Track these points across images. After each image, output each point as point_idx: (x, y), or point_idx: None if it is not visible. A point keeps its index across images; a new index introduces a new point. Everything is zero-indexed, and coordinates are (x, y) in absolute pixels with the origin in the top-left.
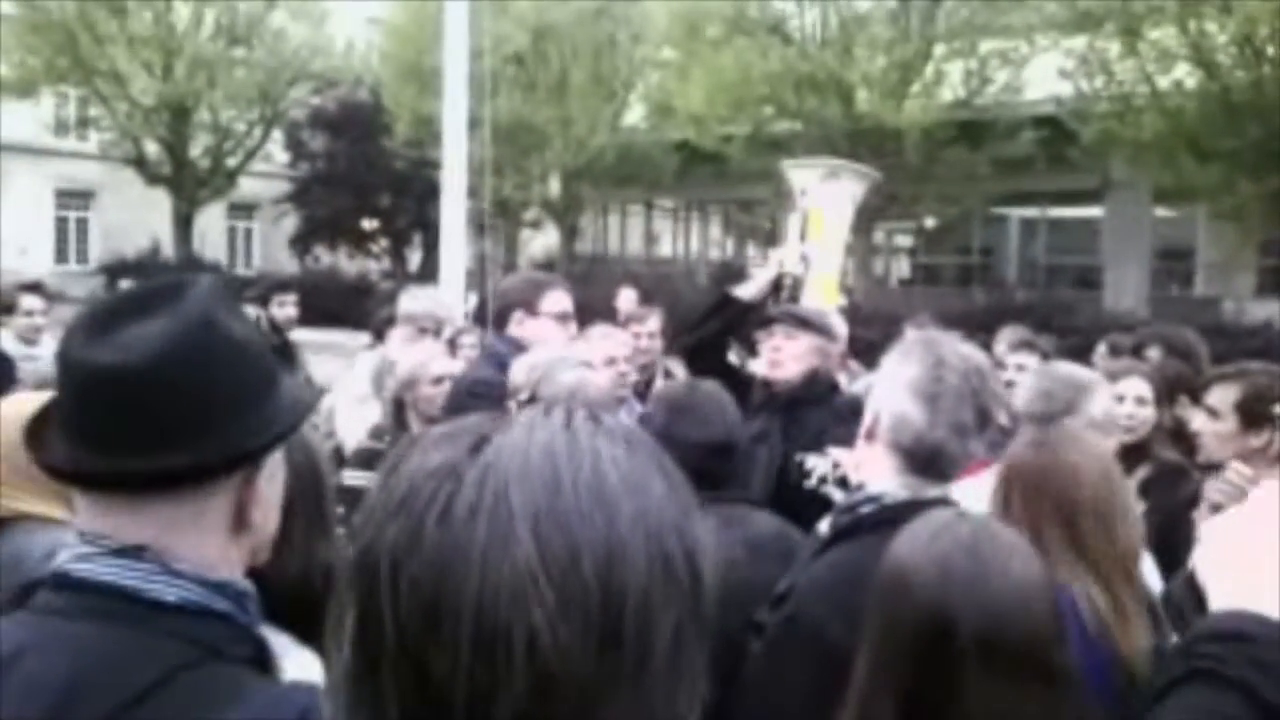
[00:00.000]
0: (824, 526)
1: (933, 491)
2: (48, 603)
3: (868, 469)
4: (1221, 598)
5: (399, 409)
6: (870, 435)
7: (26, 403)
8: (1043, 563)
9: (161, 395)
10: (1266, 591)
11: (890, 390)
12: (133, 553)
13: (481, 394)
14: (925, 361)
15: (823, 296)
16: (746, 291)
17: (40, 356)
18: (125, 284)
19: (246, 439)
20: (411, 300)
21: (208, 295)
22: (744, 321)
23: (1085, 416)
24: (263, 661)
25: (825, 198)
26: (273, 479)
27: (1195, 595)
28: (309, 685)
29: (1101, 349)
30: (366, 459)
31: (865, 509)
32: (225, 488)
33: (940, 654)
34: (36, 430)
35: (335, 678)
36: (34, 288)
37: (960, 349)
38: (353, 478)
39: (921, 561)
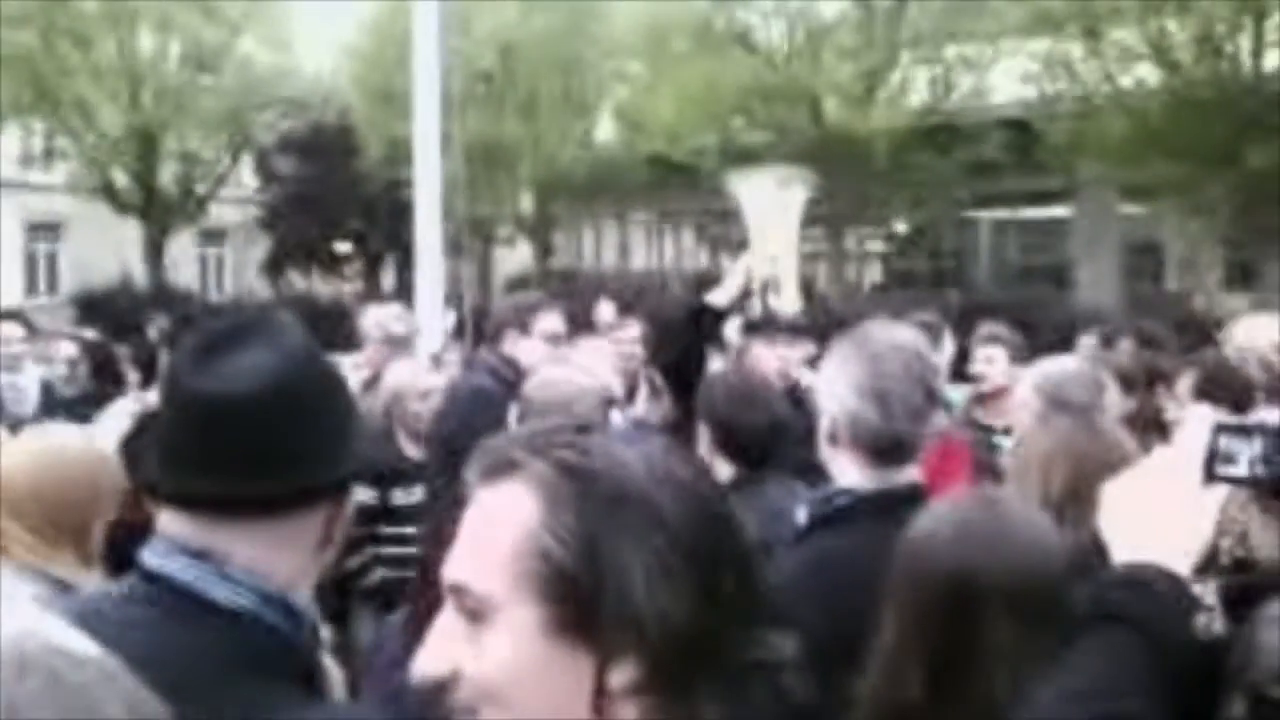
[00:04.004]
0: (801, 515)
1: (901, 477)
2: (134, 595)
3: (836, 468)
4: (1122, 551)
5: (387, 424)
6: (832, 439)
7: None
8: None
9: (272, 423)
10: (1160, 544)
11: (838, 394)
12: (201, 554)
13: (483, 401)
14: (863, 360)
15: (783, 302)
16: (720, 297)
17: (23, 386)
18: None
19: (343, 465)
20: (375, 317)
21: (299, 330)
22: (719, 328)
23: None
24: (309, 679)
25: (770, 205)
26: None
27: (1100, 551)
28: (360, 711)
29: (1088, 342)
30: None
31: (839, 500)
32: (319, 509)
33: (965, 610)
34: (133, 450)
35: None
36: (13, 315)
37: (893, 338)
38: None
39: (943, 525)
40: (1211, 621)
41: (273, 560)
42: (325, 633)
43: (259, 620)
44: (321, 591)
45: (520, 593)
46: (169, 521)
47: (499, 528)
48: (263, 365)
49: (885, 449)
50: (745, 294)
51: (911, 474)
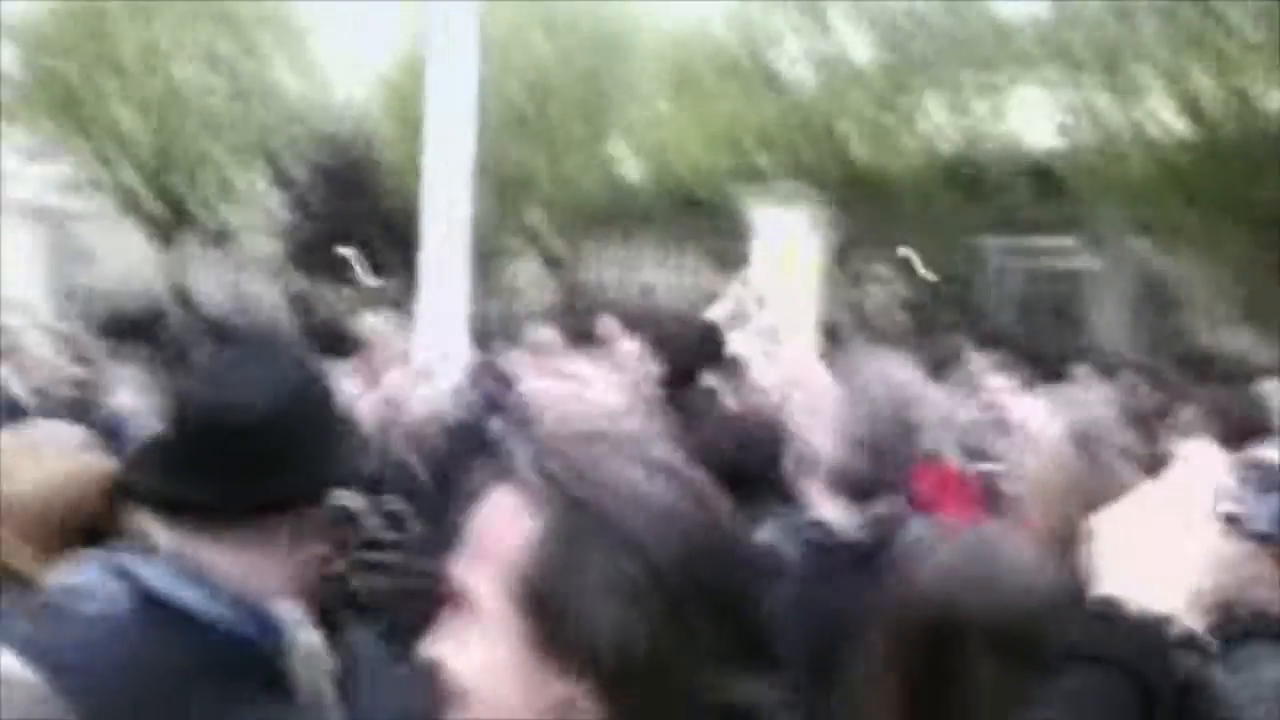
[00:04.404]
0: (761, 537)
1: (880, 508)
2: (106, 598)
3: (810, 496)
4: (1109, 586)
5: (383, 433)
6: (805, 471)
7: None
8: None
9: (269, 433)
10: (1151, 581)
11: (817, 435)
12: (178, 562)
13: (476, 433)
14: (844, 398)
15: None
16: (716, 312)
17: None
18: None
19: (325, 475)
20: (375, 328)
21: (292, 341)
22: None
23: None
24: (280, 687)
25: (787, 232)
26: None
27: (1082, 584)
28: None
29: (1084, 371)
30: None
31: (811, 534)
32: (300, 518)
33: (948, 649)
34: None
35: None
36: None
37: (875, 371)
38: (340, 496)
39: (930, 558)
40: (1204, 663)
41: (250, 568)
42: (312, 638)
43: (231, 628)
44: (312, 597)
45: (500, 601)
46: (146, 526)
47: (491, 535)
48: (261, 378)
49: (863, 487)
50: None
51: (889, 504)
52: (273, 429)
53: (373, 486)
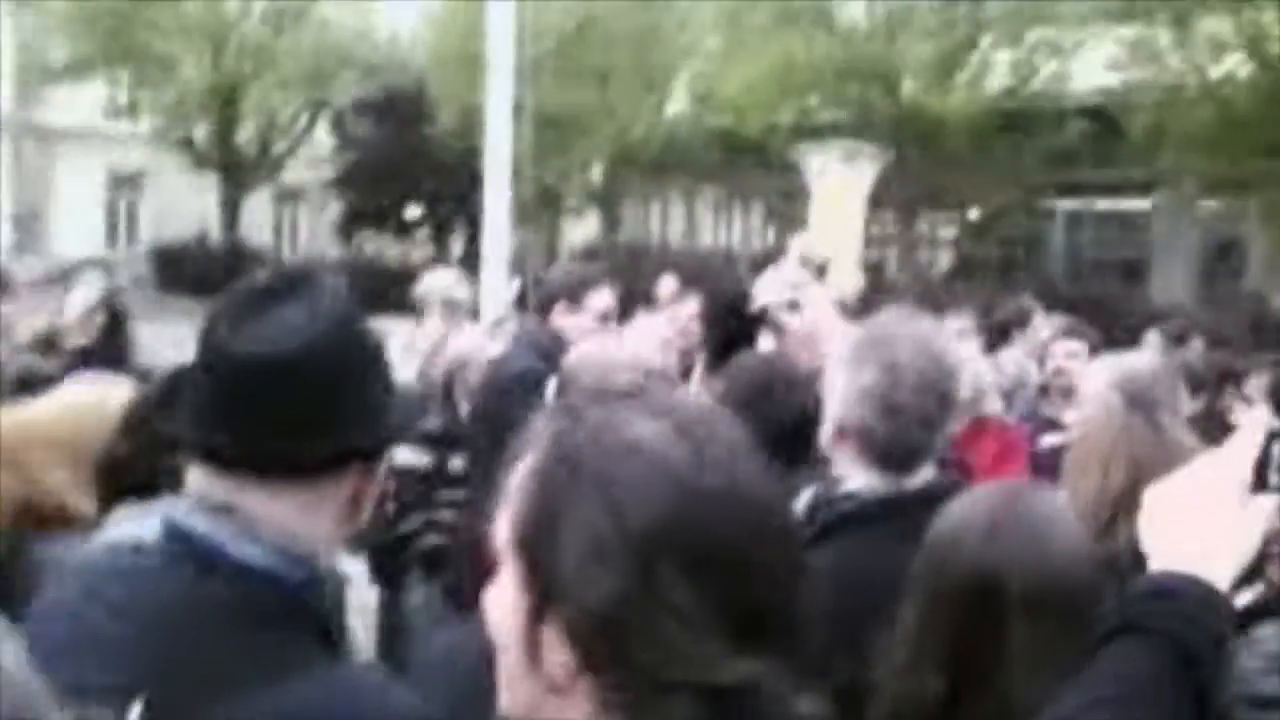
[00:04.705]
0: (800, 505)
1: (913, 481)
2: (156, 547)
3: (842, 466)
4: (1161, 561)
5: (448, 389)
6: (839, 440)
7: (97, 396)
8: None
9: (305, 385)
10: (1203, 556)
11: (849, 400)
12: (228, 513)
13: (526, 382)
14: (879, 366)
15: (842, 279)
16: (764, 293)
17: None
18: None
19: (378, 431)
20: (433, 283)
21: (340, 291)
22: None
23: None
24: (327, 639)
25: (840, 178)
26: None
27: (1137, 558)
28: (377, 669)
29: (1154, 338)
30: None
31: (846, 505)
32: (350, 475)
33: (988, 608)
34: (165, 402)
35: None
36: (95, 264)
37: (913, 339)
38: (408, 459)
39: (970, 522)
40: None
41: (299, 522)
42: (372, 595)
43: (280, 579)
44: (375, 553)
45: (510, 552)
46: (195, 477)
47: (513, 489)
48: (298, 326)
49: (895, 456)
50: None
51: (925, 475)
52: (313, 380)
53: (437, 445)
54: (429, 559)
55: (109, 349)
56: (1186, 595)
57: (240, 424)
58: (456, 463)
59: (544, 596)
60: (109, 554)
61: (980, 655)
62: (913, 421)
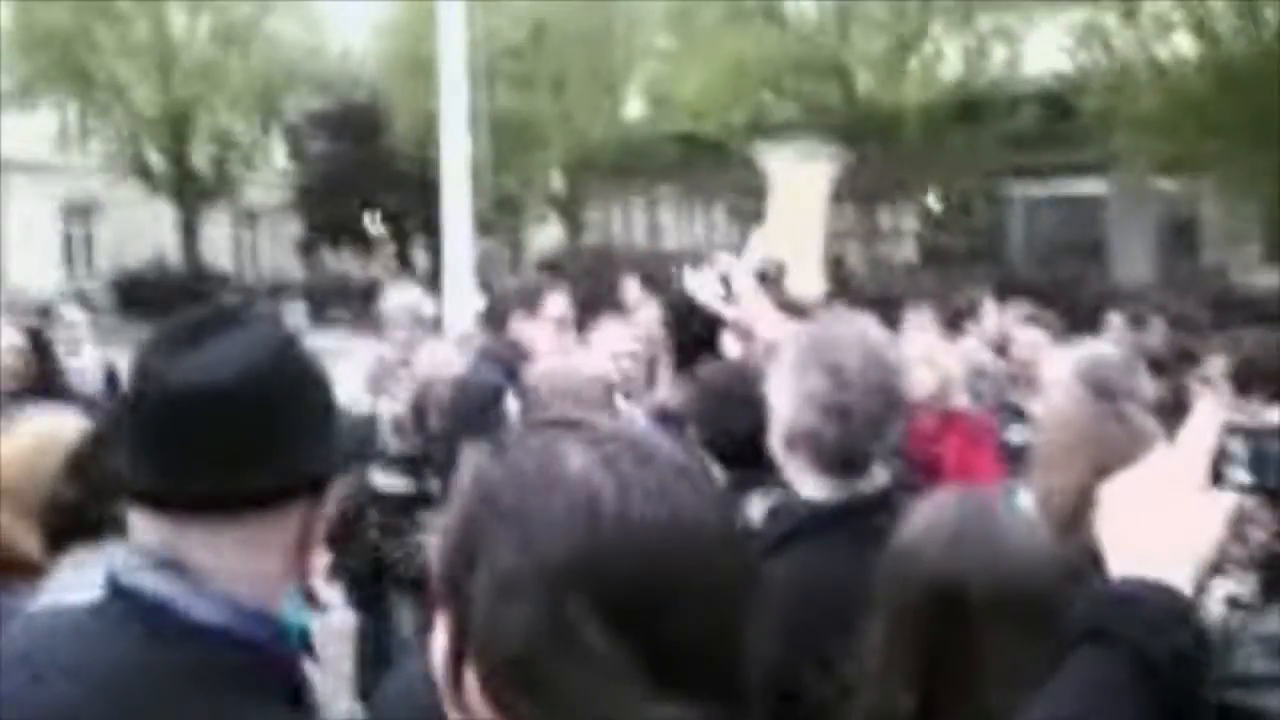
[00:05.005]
0: (754, 513)
1: (865, 485)
2: (101, 607)
3: (792, 473)
4: (1119, 560)
5: (420, 411)
6: (788, 447)
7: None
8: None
9: (238, 414)
10: (1162, 556)
11: (795, 405)
12: (176, 567)
13: (485, 400)
14: (822, 370)
15: (805, 282)
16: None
17: (84, 369)
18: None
19: (322, 463)
20: (398, 300)
21: (276, 321)
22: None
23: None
24: (294, 692)
25: (798, 179)
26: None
27: (1093, 558)
28: None
29: (1116, 320)
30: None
31: (798, 513)
32: (295, 510)
33: (952, 617)
34: (99, 442)
35: None
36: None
37: (855, 339)
38: (388, 484)
39: (931, 530)
40: (1200, 634)
41: (244, 563)
42: (350, 618)
43: (236, 636)
44: (359, 579)
45: (437, 593)
46: (137, 526)
47: (441, 529)
48: (232, 357)
49: (844, 461)
50: (761, 276)
51: (877, 476)
52: (251, 412)
53: (414, 468)
54: (416, 585)
55: (40, 380)
56: (1150, 603)
57: (172, 460)
58: (435, 485)
59: (461, 637)
60: (55, 612)
61: (950, 665)
62: (861, 424)
